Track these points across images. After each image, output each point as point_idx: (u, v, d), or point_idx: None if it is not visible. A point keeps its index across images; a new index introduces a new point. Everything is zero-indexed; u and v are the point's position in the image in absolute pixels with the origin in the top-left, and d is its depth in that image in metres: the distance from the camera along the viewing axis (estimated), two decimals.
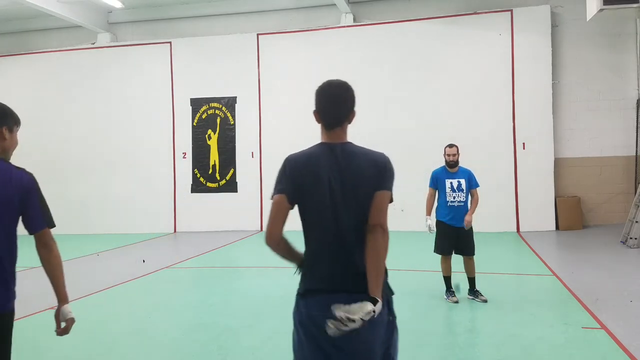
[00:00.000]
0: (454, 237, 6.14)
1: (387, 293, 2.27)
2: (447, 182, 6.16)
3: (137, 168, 13.59)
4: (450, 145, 6.24)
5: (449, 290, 6.17)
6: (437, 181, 6.26)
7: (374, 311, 2.06)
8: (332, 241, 2.22)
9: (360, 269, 2.17)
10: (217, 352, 4.73)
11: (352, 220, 2.21)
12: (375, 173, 2.22)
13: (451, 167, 6.22)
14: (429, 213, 6.29)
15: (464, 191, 6.13)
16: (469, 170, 6.27)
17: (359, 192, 2.20)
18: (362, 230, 2.20)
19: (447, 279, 6.22)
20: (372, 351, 2.17)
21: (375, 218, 2.20)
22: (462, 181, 6.15)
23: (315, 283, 2.23)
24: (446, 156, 6.23)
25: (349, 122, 2.36)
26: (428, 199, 6.33)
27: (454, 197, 6.11)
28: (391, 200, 2.30)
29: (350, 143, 2.32)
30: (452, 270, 6.26)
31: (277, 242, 2.25)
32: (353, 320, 1.98)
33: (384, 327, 2.22)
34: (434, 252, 6.32)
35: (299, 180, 2.21)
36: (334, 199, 2.20)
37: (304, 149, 2.34)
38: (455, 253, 6.23)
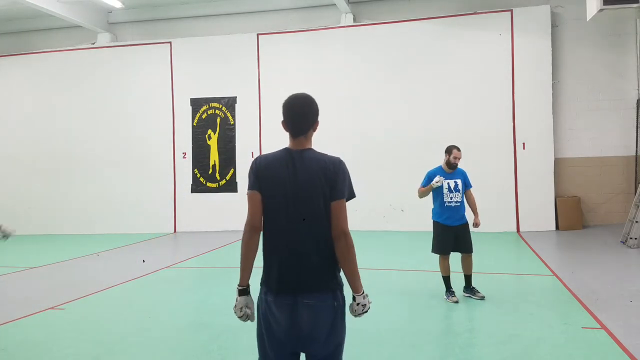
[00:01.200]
0: (452, 237, 6.17)
1: (335, 284, 2.55)
2: (445, 183, 6.16)
3: (137, 168, 13.58)
4: (459, 148, 6.24)
5: (449, 290, 6.18)
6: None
7: (360, 304, 2.60)
8: (283, 239, 2.53)
9: (308, 270, 2.49)
10: (217, 352, 4.74)
11: (302, 222, 2.49)
12: (326, 181, 2.49)
13: (452, 168, 6.22)
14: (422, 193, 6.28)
15: (460, 191, 6.17)
16: (463, 170, 6.31)
17: (308, 195, 2.49)
18: (313, 230, 2.49)
19: (447, 279, 6.23)
20: (315, 328, 2.49)
21: (336, 227, 2.49)
22: (459, 182, 6.20)
23: (271, 282, 2.55)
24: (452, 158, 6.20)
25: (314, 131, 2.65)
26: (422, 191, 6.30)
27: (451, 198, 6.15)
28: (352, 197, 2.60)
29: (311, 149, 2.60)
30: (451, 269, 6.27)
31: (257, 231, 2.59)
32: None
33: (328, 311, 2.51)
34: (432, 252, 6.33)
35: (262, 179, 2.56)
36: (287, 200, 2.50)
37: (272, 152, 2.63)
38: (454, 251, 6.25)
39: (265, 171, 2.56)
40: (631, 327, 4.96)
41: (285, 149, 2.62)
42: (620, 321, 5.11)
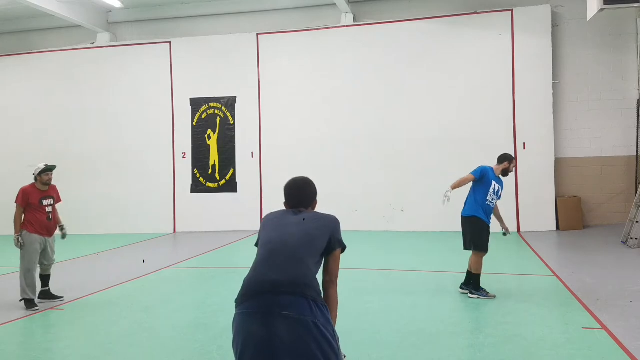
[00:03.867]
0: None
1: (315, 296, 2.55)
2: (493, 184, 6.18)
3: (137, 168, 13.58)
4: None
5: (482, 288, 6.19)
6: (484, 177, 6.17)
7: None
8: (270, 266, 2.63)
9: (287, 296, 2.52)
10: (216, 352, 4.72)
11: (294, 252, 2.63)
12: (324, 229, 2.75)
13: (504, 175, 6.32)
14: (454, 187, 6.09)
15: (499, 198, 6.30)
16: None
17: (304, 232, 2.71)
18: (304, 264, 2.58)
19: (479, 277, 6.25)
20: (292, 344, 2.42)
21: (333, 273, 2.73)
22: (500, 188, 6.32)
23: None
24: (512, 167, 6.31)
25: (313, 209, 2.99)
26: (464, 179, 6.17)
27: (492, 199, 6.23)
28: (343, 247, 2.81)
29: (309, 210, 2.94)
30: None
31: None
32: None
33: (307, 327, 2.45)
34: (482, 250, 6.21)
35: (263, 227, 2.85)
36: (281, 234, 2.71)
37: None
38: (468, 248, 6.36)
39: (267, 220, 2.87)
40: (631, 327, 4.95)
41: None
42: (621, 321, 5.10)
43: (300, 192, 2.91)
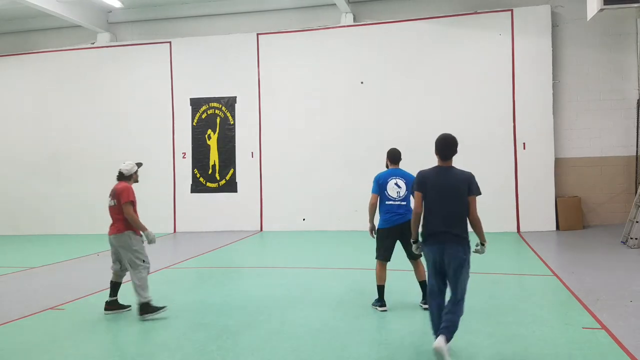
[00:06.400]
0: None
1: (465, 243, 4.32)
2: (389, 182, 6.43)
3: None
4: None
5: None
6: (380, 185, 6.43)
7: (485, 246, 4.47)
8: (437, 219, 4.35)
9: (452, 234, 4.31)
10: (216, 352, 4.73)
11: (450, 208, 4.33)
12: (465, 185, 4.35)
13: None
14: (370, 221, 6.60)
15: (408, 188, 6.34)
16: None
17: (453, 193, 4.36)
18: (455, 213, 4.31)
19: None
20: (453, 262, 4.32)
21: (472, 213, 4.33)
22: (401, 177, 6.53)
23: (429, 238, 4.45)
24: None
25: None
26: (371, 204, 6.57)
27: (395, 196, 6.38)
28: (479, 193, 4.38)
29: (453, 167, 4.51)
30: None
31: (419, 215, 4.45)
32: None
33: (459, 259, 4.29)
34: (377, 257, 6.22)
35: (424, 183, 4.47)
36: (440, 195, 4.37)
37: (429, 167, 4.61)
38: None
39: (427, 178, 4.48)
40: (631, 327, 4.95)
41: (438, 166, 4.54)
42: (621, 321, 5.10)
43: (450, 146, 4.52)
